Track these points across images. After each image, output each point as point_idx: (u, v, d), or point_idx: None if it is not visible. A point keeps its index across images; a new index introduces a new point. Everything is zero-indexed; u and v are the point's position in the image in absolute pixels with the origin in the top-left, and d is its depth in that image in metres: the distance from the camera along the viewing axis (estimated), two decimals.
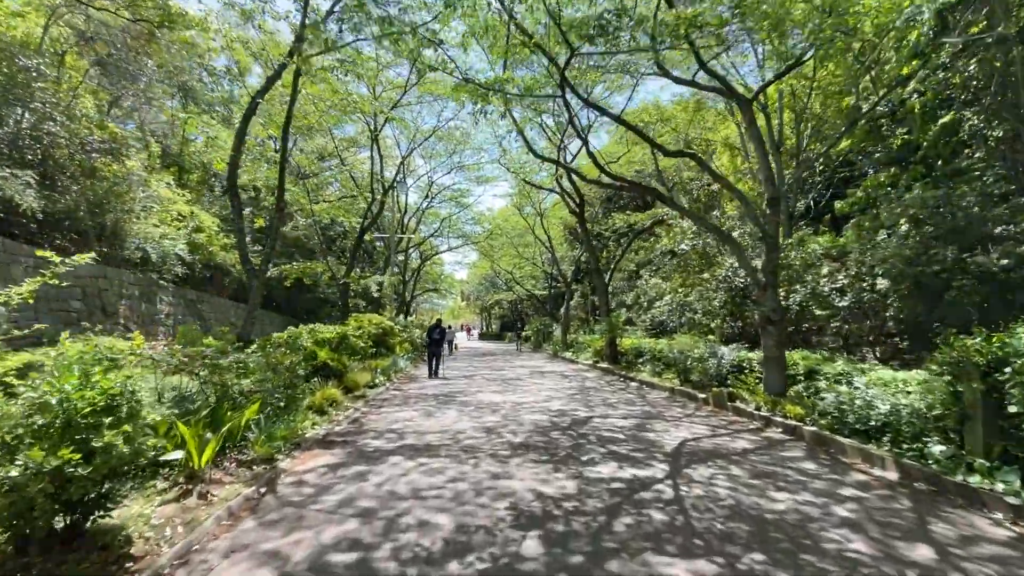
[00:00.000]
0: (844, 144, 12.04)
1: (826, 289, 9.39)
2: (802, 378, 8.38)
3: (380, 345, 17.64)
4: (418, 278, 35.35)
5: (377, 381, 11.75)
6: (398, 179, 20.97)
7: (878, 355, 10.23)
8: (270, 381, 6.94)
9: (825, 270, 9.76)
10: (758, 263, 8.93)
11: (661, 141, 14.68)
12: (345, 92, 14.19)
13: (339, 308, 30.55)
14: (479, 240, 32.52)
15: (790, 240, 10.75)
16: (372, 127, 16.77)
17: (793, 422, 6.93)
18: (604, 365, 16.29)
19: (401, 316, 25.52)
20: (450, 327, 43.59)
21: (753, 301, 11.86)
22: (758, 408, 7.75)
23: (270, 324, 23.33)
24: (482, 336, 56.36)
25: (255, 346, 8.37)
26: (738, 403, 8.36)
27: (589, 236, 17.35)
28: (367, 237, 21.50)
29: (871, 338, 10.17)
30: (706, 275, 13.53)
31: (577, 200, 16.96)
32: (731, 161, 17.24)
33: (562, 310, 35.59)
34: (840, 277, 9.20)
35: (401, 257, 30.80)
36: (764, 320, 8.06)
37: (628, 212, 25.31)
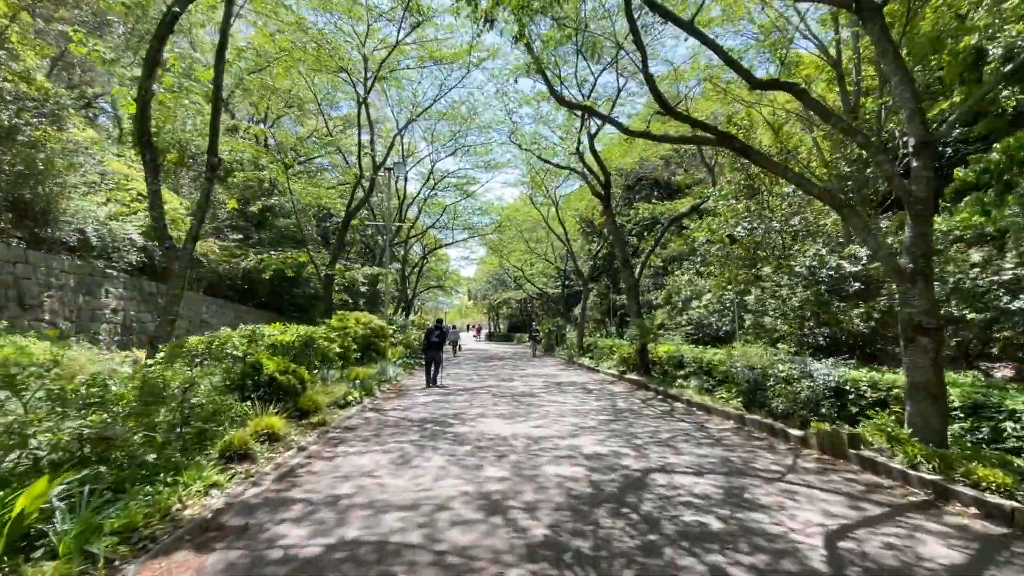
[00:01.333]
0: (963, 98, 9.21)
1: (980, 283, 6.62)
2: (960, 415, 5.63)
3: (369, 349, 15.11)
4: (421, 274, 32.80)
5: (351, 398, 9.14)
6: (395, 160, 18.44)
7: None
8: (144, 417, 4.34)
9: (976, 256, 6.97)
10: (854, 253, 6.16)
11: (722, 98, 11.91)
12: (318, 33, 11.64)
13: (348, 306, 28.17)
14: (486, 233, 29.89)
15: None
16: (360, 92, 14.15)
17: (995, 498, 4.18)
18: (633, 376, 13.56)
19: (400, 315, 22.96)
20: (453, 327, 40.92)
21: (838, 301, 9.06)
22: (912, 464, 5.00)
23: (252, 324, 20.91)
24: (490, 336, 53.54)
25: (156, 359, 5.81)
26: (864, 450, 5.61)
27: (615, 223, 14.62)
28: (355, 221, 19.00)
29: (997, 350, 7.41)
30: (767, 268, 10.76)
31: (603, 179, 14.24)
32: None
33: (576, 310, 32.86)
34: (1007, 266, 6.41)
35: (401, 250, 28.27)
36: (911, 327, 5.32)
37: (653, 201, 22.53)
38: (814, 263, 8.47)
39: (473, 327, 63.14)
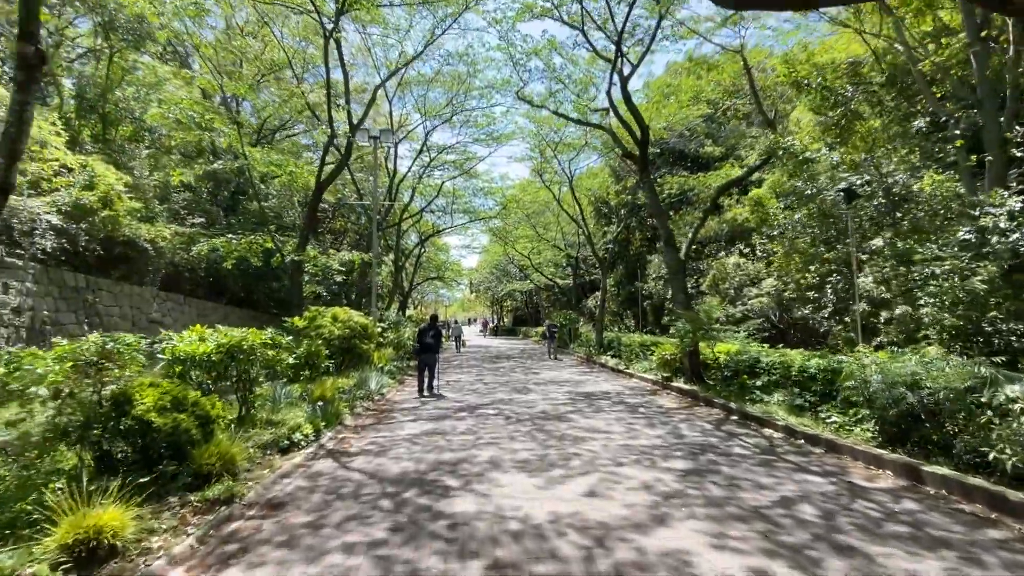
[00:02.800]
0: None
1: None
2: None
3: (350, 352, 12.21)
4: (419, 264, 29.84)
5: (301, 435, 6.21)
6: (378, 127, 15.44)
7: None
8: None
9: None
10: None
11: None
12: None
13: (323, 300, 25.32)
14: (489, 217, 26.89)
15: None
16: (326, 24, 10.91)
17: None
18: (682, 385, 10.64)
19: (394, 310, 20.07)
20: (455, 322, 38.04)
21: None
22: None
23: (220, 323, 18.02)
24: (495, 331, 50.34)
25: None
26: None
27: (654, 189, 11.62)
28: (330, 196, 16.03)
29: None
30: (878, 240, 7.79)
31: (638, 134, 11.22)
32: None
33: (590, 301, 29.92)
34: None
35: (394, 238, 25.27)
36: None
37: (683, 174, 19.47)
38: (1008, 226, 5.49)
39: (479, 321, 60.16)
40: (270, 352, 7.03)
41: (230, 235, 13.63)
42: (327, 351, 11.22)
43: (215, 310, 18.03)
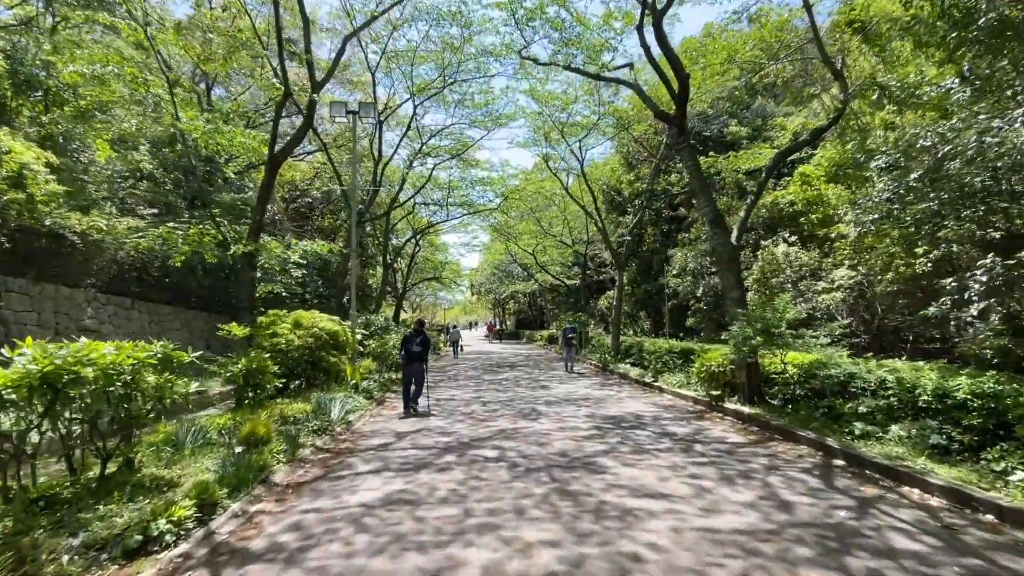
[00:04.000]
0: None
1: None
2: None
3: (313, 368, 9.81)
4: (413, 263, 27.40)
5: (167, 524, 3.75)
6: (360, 103, 13.07)
7: None
8: None
9: None
10: None
11: None
12: None
13: (307, 303, 23.03)
14: (489, 210, 24.48)
15: None
16: None
17: None
18: (738, 406, 8.18)
19: (382, 315, 17.67)
20: (454, 326, 35.59)
21: None
22: None
23: (179, 331, 15.65)
24: (499, 335, 47.50)
25: None
26: None
27: (694, 156, 9.17)
28: (290, 172, 13.63)
29: None
30: None
31: (676, 87, 8.79)
32: None
33: (600, 302, 27.42)
34: None
35: (388, 234, 22.85)
36: None
37: (711, 155, 17.02)
38: None
39: (484, 325, 57.25)
40: (150, 379, 4.59)
41: (172, 225, 11.21)
42: (283, 366, 8.82)
43: (174, 316, 15.65)
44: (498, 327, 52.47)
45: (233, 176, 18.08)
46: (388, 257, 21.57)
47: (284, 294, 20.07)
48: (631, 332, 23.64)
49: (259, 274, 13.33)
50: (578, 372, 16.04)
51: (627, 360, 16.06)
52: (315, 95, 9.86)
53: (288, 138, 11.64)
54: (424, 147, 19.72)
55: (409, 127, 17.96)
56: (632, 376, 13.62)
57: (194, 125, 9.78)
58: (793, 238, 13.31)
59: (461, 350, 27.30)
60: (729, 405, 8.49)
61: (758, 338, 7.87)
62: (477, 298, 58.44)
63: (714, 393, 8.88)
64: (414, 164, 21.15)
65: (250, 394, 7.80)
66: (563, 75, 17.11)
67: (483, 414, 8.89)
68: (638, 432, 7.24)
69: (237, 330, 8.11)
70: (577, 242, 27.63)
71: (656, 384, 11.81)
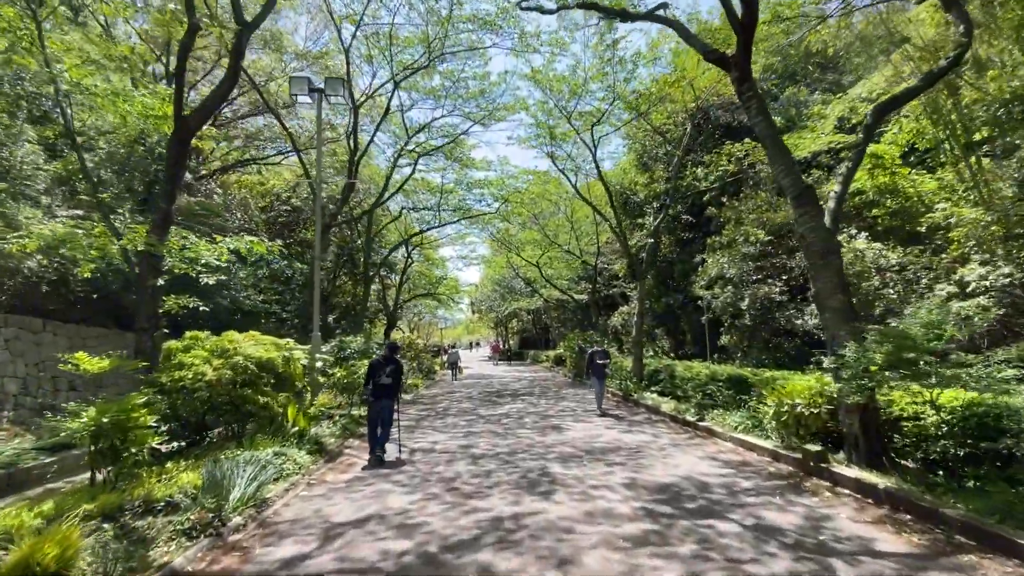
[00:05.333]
0: None
1: None
2: None
3: (237, 411, 7.05)
4: (405, 276, 24.71)
5: None
6: (327, 77, 10.69)
7: None
8: None
9: None
10: None
11: None
12: None
13: (274, 321, 20.32)
14: (486, 216, 21.93)
15: None
16: None
17: None
18: (851, 472, 5.35)
19: (360, 338, 15.00)
20: (452, 346, 32.81)
21: None
22: None
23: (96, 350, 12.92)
24: (507, 356, 44.00)
25: None
26: None
27: (763, 104, 6.55)
28: (272, 179, 10.99)
29: None
30: None
31: (741, 12, 6.23)
32: None
33: (614, 319, 24.52)
34: None
35: (376, 248, 20.24)
36: None
37: (746, 140, 14.46)
38: None
39: (489, 345, 53.72)
40: None
41: (70, 223, 8.61)
42: (188, 411, 6.09)
43: (103, 339, 12.93)
44: (504, 347, 49.37)
45: (191, 178, 15.61)
46: (371, 268, 18.93)
47: (250, 311, 17.41)
48: (650, 352, 20.79)
49: (215, 281, 10.53)
50: (593, 401, 13.18)
51: (653, 388, 13.21)
52: (244, 38, 7.31)
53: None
54: (411, 143, 17.26)
55: (388, 109, 15.45)
56: (665, 410, 10.76)
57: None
58: (863, 235, 10.60)
59: (460, 371, 25.04)
60: (839, 468, 5.65)
61: (884, 370, 5.07)
62: (479, 316, 55.68)
63: (811, 449, 6.02)
64: (400, 162, 18.66)
65: (109, 469, 5.04)
66: (569, 56, 14.79)
67: (471, 481, 6.06)
68: (717, 525, 4.41)
69: (90, 364, 5.39)
70: (586, 253, 24.98)
71: (702, 424, 8.95)
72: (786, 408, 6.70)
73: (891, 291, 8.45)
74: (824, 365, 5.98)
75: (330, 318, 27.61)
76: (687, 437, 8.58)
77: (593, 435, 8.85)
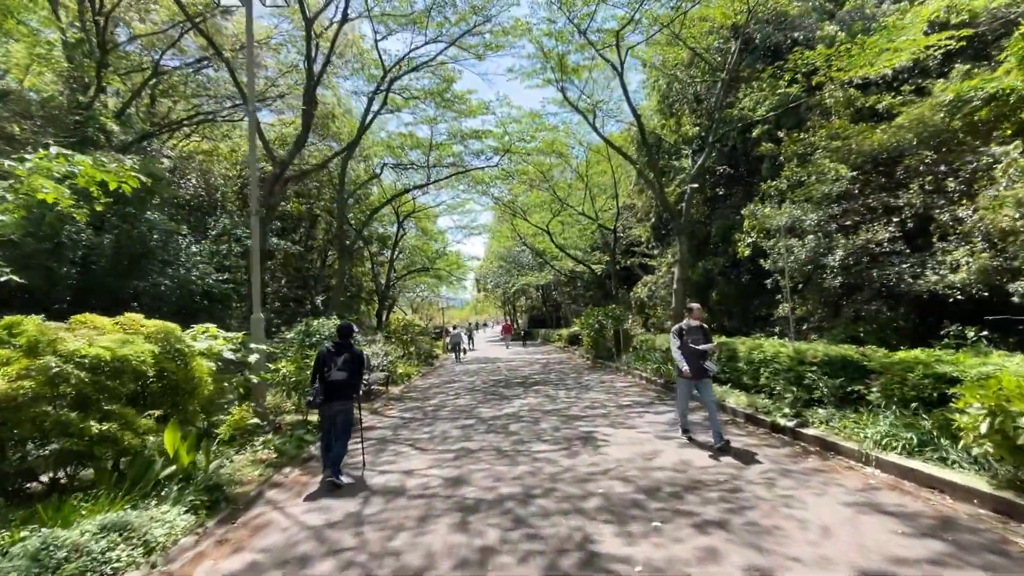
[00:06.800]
0: None
1: None
2: None
3: (67, 449, 4.05)
4: (396, 248, 21.72)
5: None
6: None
7: None
8: None
9: None
10: None
11: None
12: None
13: (233, 303, 17.54)
14: (488, 177, 18.78)
15: None
16: None
17: None
18: None
19: (330, 321, 12.15)
20: (454, 327, 30.03)
21: None
22: None
23: None
24: (522, 337, 40.78)
25: None
26: None
27: None
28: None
29: None
30: None
31: None
32: None
33: (637, 291, 21.28)
34: None
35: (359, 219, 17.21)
36: None
37: (799, 51, 11.10)
38: None
39: (500, 325, 50.53)
40: None
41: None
42: None
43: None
44: (515, 327, 46.30)
45: (116, 129, 12.67)
46: (352, 234, 15.96)
47: (217, 294, 14.61)
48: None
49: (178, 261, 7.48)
50: (617, 386, 10.25)
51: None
52: None
53: None
54: (389, 83, 14.02)
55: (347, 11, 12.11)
56: (735, 406, 7.81)
57: None
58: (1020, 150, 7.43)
59: (464, 353, 23.03)
60: None
61: None
62: (484, 295, 52.86)
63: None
64: (384, 116, 15.46)
65: None
66: None
67: (467, 557, 3.18)
68: None
69: None
70: (602, 216, 21.80)
71: (808, 433, 6.00)
72: (1013, 421, 3.72)
73: None
74: None
75: (318, 300, 24.89)
76: (791, 454, 5.64)
77: (646, 452, 5.94)
